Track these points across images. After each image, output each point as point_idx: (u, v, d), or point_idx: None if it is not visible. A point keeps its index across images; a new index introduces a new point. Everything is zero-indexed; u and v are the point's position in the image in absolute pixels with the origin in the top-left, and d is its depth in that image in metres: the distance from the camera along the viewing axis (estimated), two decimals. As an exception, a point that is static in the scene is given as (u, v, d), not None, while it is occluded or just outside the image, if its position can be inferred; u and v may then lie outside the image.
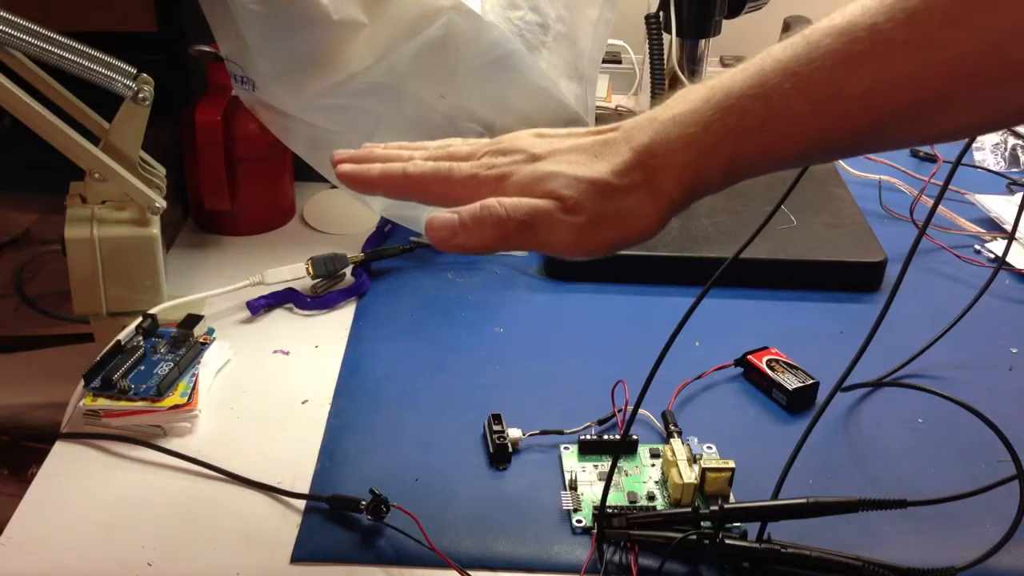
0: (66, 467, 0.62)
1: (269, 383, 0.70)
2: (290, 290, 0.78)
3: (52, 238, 0.81)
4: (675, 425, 0.64)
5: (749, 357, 0.70)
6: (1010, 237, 0.76)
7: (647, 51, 0.98)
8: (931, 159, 1.01)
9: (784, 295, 0.80)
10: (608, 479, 0.56)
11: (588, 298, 0.79)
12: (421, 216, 0.80)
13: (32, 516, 0.58)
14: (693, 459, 0.59)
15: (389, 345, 0.73)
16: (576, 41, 0.82)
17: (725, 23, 1.03)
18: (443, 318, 0.76)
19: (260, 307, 0.77)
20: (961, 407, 0.61)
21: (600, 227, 0.47)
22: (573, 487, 0.60)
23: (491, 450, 0.62)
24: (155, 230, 0.70)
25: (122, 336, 0.67)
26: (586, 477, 0.60)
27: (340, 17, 0.70)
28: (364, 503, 0.56)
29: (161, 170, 0.74)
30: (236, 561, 0.55)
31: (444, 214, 0.48)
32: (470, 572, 0.54)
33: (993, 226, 0.92)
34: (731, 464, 0.58)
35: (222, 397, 0.68)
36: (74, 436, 0.64)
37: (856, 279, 0.82)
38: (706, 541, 0.54)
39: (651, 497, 0.59)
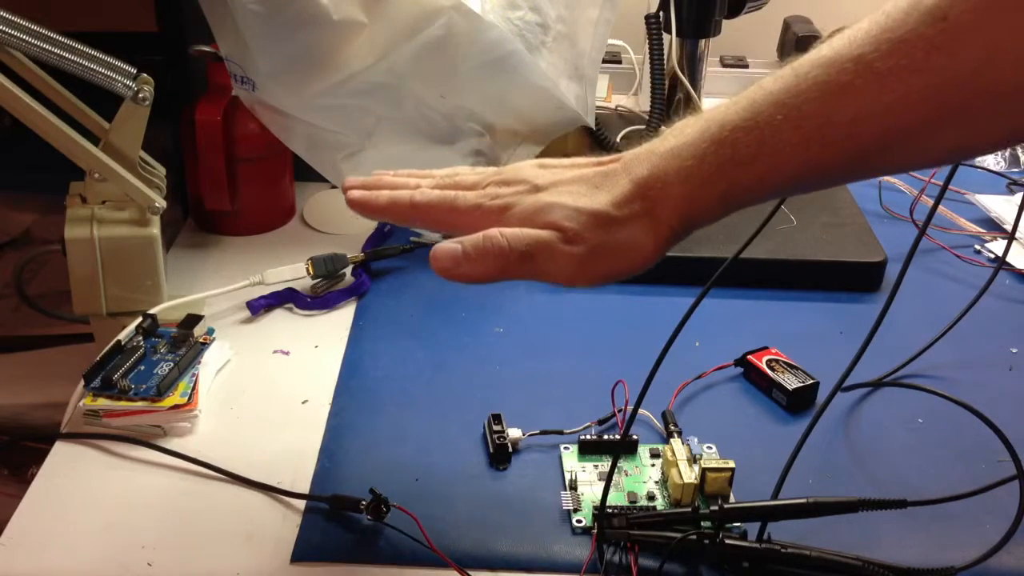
0: (66, 467, 0.62)
1: (269, 383, 0.70)
2: (290, 290, 0.78)
3: (52, 238, 0.81)
4: (675, 425, 0.64)
5: (749, 357, 0.70)
6: (1010, 237, 0.76)
7: (647, 51, 0.98)
8: (931, 159, 1.01)
9: (784, 295, 0.80)
10: (608, 479, 0.56)
11: (588, 298, 0.79)
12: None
13: (32, 516, 0.58)
14: (693, 459, 0.59)
15: (389, 345, 0.73)
16: (576, 41, 0.82)
17: (725, 23, 1.03)
18: (443, 318, 0.76)
19: (260, 307, 0.77)
20: (961, 407, 0.61)
21: (600, 258, 0.48)
22: (573, 487, 0.60)
23: (491, 450, 0.62)
24: (155, 230, 0.70)
25: (122, 336, 0.67)
26: (586, 477, 0.60)
27: (340, 17, 0.70)
28: (364, 503, 0.56)
29: (161, 170, 0.74)
30: (236, 561, 0.55)
31: (448, 244, 0.49)
32: (470, 572, 0.54)
33: (993, 226, 0.92)
34: (731, 464, 0.58)
35: (222, 397, 0.68)
36: (74, 436, 0.64)
37: (856, 279, 0.82)
38: (706, 541, 0.54)
39: (651, 497, 0.59)
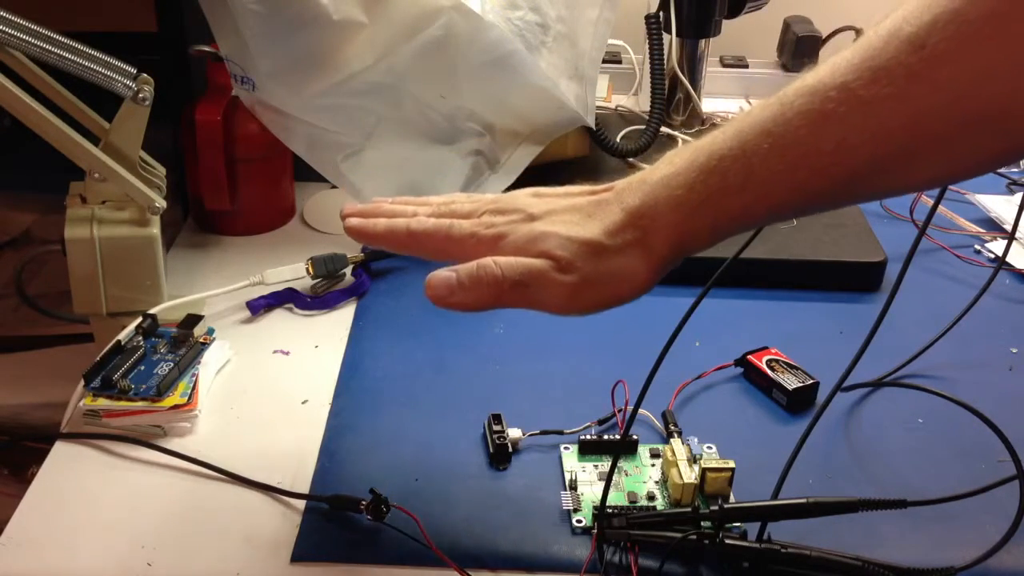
0: (66, 467, 0.62)
1: (269, 383, 0.70)
2: (290, 290, 0.78)
3: (52, 238, 0.81)
4: (675, 425, 0.64)
5: (749, 357, 0.70)
6: (1010, 237, 0.76)
7: (647, 51, 0.98)
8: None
9: (784, 295, 0.80)
10: (608, 479, 0.56)
11: (588, 298, 0.79)
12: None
13: (32, 516, 0.58)
14: (693, 459, 0.59)
15: (389, 345, 0.73)
16: (576, 41, 0.82)
17: (725, 23, 1.03)
18: (443, 318, 0.76)
19: (260, 307, 0.77)
20: (961, 407, 0.61)
21: (592, 286, 0.49)
22: (573, 487, 0.60)
23: (491, 450, 0.62)
24: (155, 230, 0.70)
25: (122, 336, 0.67)
26: (586, 477, 0.60)
27: (340, 17, 0.71)
28: (364, 503, 0.56)
29: (161, 170, 0.74)
30: (236, 561, 0.55)
31: (443, 273, 0.50)
32: (470, 572, 0.54)
33: (993, 226, 0.92)
34: (731, 464, 0.58)
35: (222, 397, 0.68)
36: (74, 436, 0.64)
37: (856, 279, 0.82)
38: (706, 541, 0.54)
39: (651, 497, 0.59)
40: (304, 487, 0.60)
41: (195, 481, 0.61)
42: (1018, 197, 0.95)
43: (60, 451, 0.63)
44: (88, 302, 0.70)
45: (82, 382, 0.64)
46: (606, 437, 0.63)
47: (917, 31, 0.42)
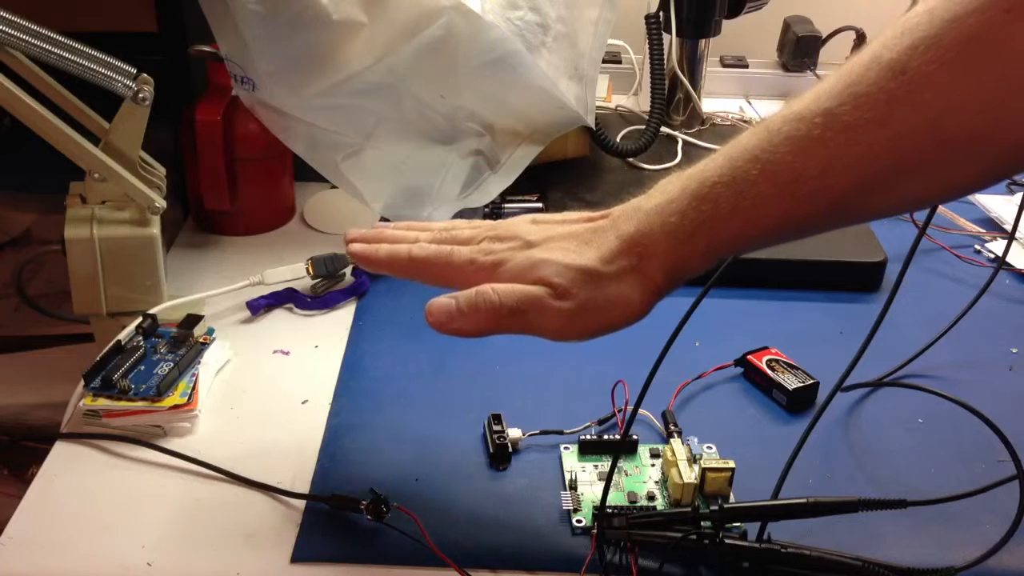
0: (66, 467, 0.62)
1: (269, 383, 0.70)
2: (290, 290, 0.78)
3: (52, 238, 0.81)
4: (675, 425, 0.64)
5: (749, 357, 0.70)
6: (1010, 237, 0.76)
7: (647, 51, 0.98)
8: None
9: (784, 295, 0.80)
10: (608, 479, 0.56)
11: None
12: (420, 216, 0.81)
13: (32, 516, 0.58)
14: (693, 459, 0.59)
15: (389, 345, 0.73)
16: (576, 41, 0.82)
17: (725, 23, 1.03)
18: (443, 318, 0.76)
19: (260, 307, 0.77)
20: (961, 407, 0.61)
21: (588, 313, 0.50)
22: (573, 487, 0.60)
23: (491, 450, 0.62)
24: (155, 230, 0.70)
25: (122, 336, 0.67)
26: (586, 477, 0.60)
27: (340, 17, 0.70)
28: (364, 503, 0.56)
29: (161, 170, 0.74)
30: (236, 561, 0.55)
31: (442, 300, 0.52)
32: (470, 572, 0.54)
33: (993, 226, 0.92)
34: (731, 464, 0.58)
35: (222, 397, 0.68)
36: (74, 436, 0.64)
37: (856, 279, 0.82)
38: (706, 541, 0.54)
39: (651, 497, 0.59)
40: (304, 487, 0.60)
41: (195, 481, 0.61)
42: (1018, 197, 0.95)
43: (60, 451, 0.63)
44: (88, 302, 0.70)
45: (82, 382, 0.64)
46: (606, 437, 0.63)
47: (897, 57, 0.43)
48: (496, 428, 0.63)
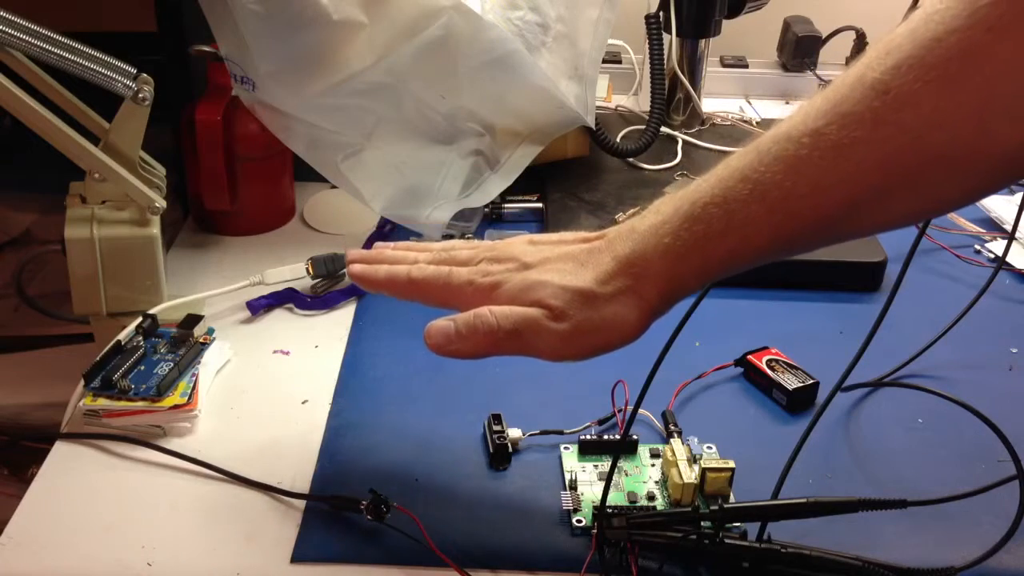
0: (66, 467, 0.62)
1: (269, 383, 0.70)
2: (290, 290, 0.78)
3: (52, 238, 0.82)
4: (675, 425, 0.64)
5: (749, 357, 0.70)
6: (1010, 237, 0.76)
7: (647, 51, 0.98)
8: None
9: (784, 295, 0.80)
10: (608, 479, 0.56)
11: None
12: (420, 216, 0.81)
13: (32, 516, 0.58)
14: (693, 459, 0.59)
15: (389, 345, 0.73)
16: (576, 41, 0.82)
17: (725, 23, 1.03)
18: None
19: (260, 307, 0.77)
20: (961, 407, 0.61)
21: (584, 334, 0.51)
22: (573, 487, 0.60)
23: (491, 450, 0.62)
24: (155, 230, 0.70)
25: (122, 336, 0.67)
26: (586, 477, 0.60)
27: (340, 17, 0.70)
28: (364, 503, 0.56)
29: (161, 170, 0.74)
30: (236, 561, 0.55)
31: (441, 323, 0.53)
32: (470, 572, 0.54)
33: (993, 226, 0.92)
34: (731, 464, 0.58)
35: (222, 397, 0.68)
36: (74, 436, 0.64)
37: (856, 279, 0.82)
38: (706, 541, 0.54)
39: (651, 497, 0.59)
40: (304, 487, 0.60)
41: (195, 481, 0.61)
42: (1018, 197, 0.95)
43: (60, 451, 0.63)
44: (88, 302, 0.70)
45: (82, 382, 0.64)
46: (606, 437, 0.63)
47: (881, 76, 0.43)
48: (496, 428, 0.63)
